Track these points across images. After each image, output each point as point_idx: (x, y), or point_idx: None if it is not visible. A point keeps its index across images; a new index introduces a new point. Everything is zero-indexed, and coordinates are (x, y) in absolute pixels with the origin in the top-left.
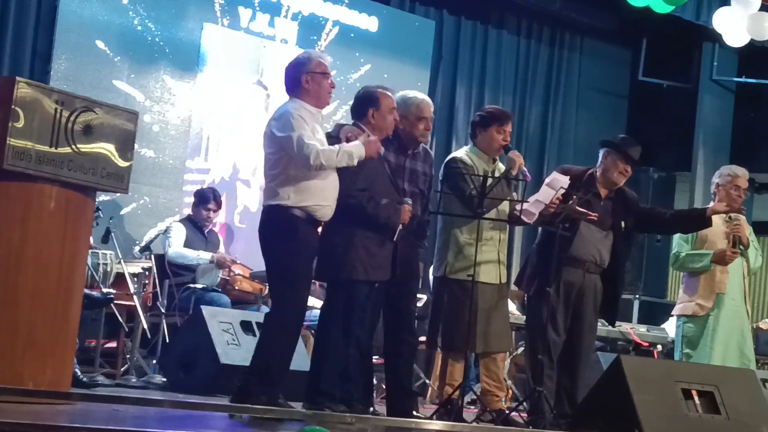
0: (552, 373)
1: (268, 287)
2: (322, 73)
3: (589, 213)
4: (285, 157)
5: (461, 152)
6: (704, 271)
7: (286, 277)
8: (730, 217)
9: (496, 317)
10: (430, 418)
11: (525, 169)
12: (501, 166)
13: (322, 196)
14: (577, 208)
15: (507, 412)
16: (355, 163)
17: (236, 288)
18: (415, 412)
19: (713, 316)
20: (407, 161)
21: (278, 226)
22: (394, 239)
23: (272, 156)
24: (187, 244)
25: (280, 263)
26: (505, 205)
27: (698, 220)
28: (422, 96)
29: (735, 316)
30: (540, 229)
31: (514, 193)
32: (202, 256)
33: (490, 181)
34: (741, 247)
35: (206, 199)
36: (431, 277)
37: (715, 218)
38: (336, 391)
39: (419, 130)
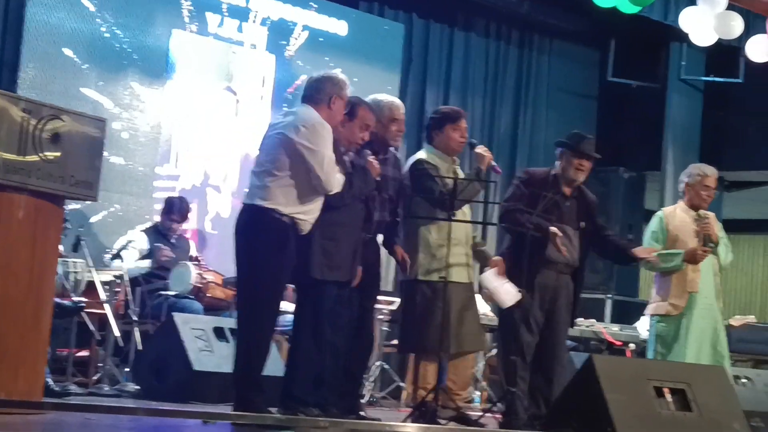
0: (525, 374)
1: (239, 287)
2: (346, 102)
3: (560, 248)
4: (301, 167)
5: (423, 154)
6: (676, 270)
7: (267, 282)
8: (699, 215)
9: (468, 317)
10: (405, 421)
11: (495, 163)
12: (459, 171)
13: (313, 211)
14: (557, 242)
15: (461, 411)
16: None
17: (208, 295)
18: (362, 413)
19: (686, 315)
20: (384, 166)
21: (269, 229)
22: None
23: (283, 158)
24: (151, 254)
25: (263, 267)
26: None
27: (623, 257)
28: (392, 98)
29: (708, 315)
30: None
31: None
32: (143, 264)
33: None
34: (711, 245)
35: (170, 209)
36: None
37: (685, 217)
38: (309, 397)
39: (392, 133)
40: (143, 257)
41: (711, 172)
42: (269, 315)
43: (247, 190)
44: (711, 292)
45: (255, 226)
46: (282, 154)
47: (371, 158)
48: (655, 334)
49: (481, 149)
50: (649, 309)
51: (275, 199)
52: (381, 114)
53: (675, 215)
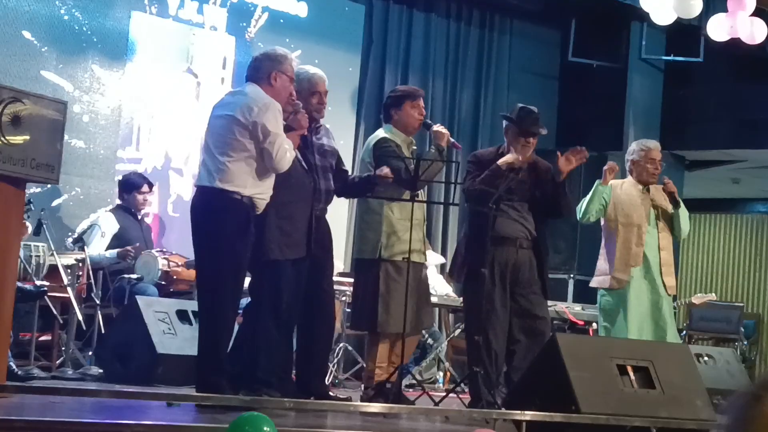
0: (491, 353)
1: (199, 271)
2: (290, 78)
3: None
4: (256, 147)
5: (382, 133)
6: (600, 198)
7: (230, 264)
8: (648, 189)
9: (423, 296)
10: (369, 400)
11: (453, 139)
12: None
13: (269, 189)
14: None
15: (389, 386)
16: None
17: (175, 278)
18: (331, 393)
19: (629, 289)
20: (312, 137)
21: (230, 211)
22: (312, 215)
23: (239, 139)
24: (122, 234)
25: (226, 250)
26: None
27: (556, 187)
28: (315, 70)
29: (650, 289)
30: (468, 214)
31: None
32: (108, 255)
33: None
34: (675, 201)
35: (137, 184)
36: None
37: (632, 190)
38: (272, 377)
39: (313, 105)
40: (113, 239)
41: (654, 145)
42: (233, 297)
43: (197, 172)
44: (656, 267)
45: (216, 209)
46: (237, 136)
47: (302, 112)
48: (600, 308)
49: (438, 127)
50: (594, 282)
51: (234, 180)
52: (301, 86)
53: (620, 187)
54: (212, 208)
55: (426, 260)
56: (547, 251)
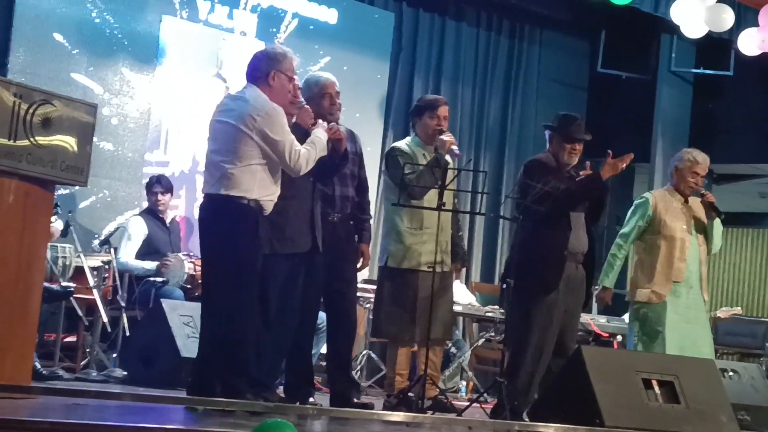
0: (535, 368)
1: (211, 278)
2: (289, 76)
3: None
4: (264, 155)
5: (402, 142)
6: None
7: (244, 270)
8: (687, 200)
9: (439, 306)
10: (392, 409)
11: (455, 147)
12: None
13: (277, 190)
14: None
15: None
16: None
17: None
18: (355, 400)
19: (669, 304)
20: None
21: (238, 219)
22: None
23: (244, 149)
24: (151, 239)
25: (238, 256)
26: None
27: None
28: (323, 73)
29: (692, 306)
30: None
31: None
32: (146, 266)
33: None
34: (717, 212)
35: (150, 184)
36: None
37: (672, 200)
38: (267, 380)
39: (325, 108)
40: (142, 245)
41: (702, 159)
42: (249, 300)
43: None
44: (696, 282)
45: (222, 215)
46: (242, 145)
47: (324, 125)
48: (636, 320)
49: (444, 136)
50: (631, 295)
51: (240, 185)
52: (311, 92)
53: (662, 198)
54: (219, 214)
55: (445, 268)
56: (598, 264)
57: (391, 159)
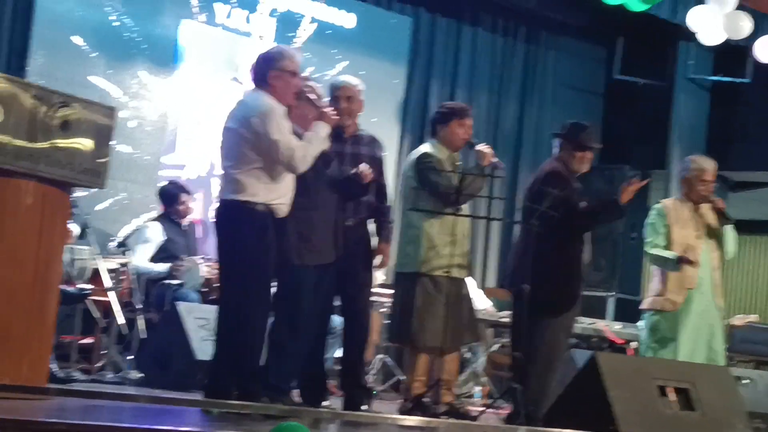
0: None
1: (226, 283)
2: (290, 72)
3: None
4: (264, 156)
5: (427, 148)
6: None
7: (255, 274)
8: (698, 207)
9: (464, 310)
10: (407, 413)
11: (495, 159)
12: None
13: (287, 192)
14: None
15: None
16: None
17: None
18: (365, 407)
19: (683, 312)
20: (347, 146)
21: (247, 222)
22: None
23: (245, 152)
24: (168, 245)
25: (248, 260)
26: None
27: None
28: (342, 78)
29: (705, 313)
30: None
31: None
32: (157, 269)
33: (467, 176)
34: (730, 221)
35: (174, 196)
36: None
37: (683, 209)
38: (284, 385)
39: (344, 109)
40: (159, 250)
41: (709, 166)
42: (261, 303)
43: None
44: (709, 288)
45: (232, 219)
46: (243, 149)
47: (363, 167)
48: (649, 329)
49: (481, 146)
50: (645, 303)
51: (247, 190)
52: (331, 96)
53: (674, 207)
54: (229, 219)
55: (468, 274)
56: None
57: (425, 165)
